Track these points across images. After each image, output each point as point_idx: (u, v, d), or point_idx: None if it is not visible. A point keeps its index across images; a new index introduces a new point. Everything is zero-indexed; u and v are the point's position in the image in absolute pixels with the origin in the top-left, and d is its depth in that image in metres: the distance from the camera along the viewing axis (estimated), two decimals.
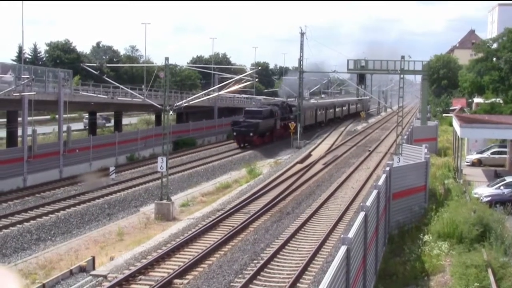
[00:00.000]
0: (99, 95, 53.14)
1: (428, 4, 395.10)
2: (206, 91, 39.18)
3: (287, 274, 20.27)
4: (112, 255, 24.01)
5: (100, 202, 34.21)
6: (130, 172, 44.36)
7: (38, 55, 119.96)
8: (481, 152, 48.07)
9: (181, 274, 19.89)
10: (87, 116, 70.98)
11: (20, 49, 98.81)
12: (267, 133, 63.70)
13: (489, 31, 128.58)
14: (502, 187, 32.16)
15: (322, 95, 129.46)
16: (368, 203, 16.84)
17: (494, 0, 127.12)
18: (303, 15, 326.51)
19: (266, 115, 62.62)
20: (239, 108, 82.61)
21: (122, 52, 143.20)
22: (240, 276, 20.08)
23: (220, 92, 39.73)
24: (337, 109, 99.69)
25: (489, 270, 19.10)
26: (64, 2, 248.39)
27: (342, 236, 13.96)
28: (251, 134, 59.04)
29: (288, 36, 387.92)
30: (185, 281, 19.41)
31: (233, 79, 38.92)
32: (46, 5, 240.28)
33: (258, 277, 19.97)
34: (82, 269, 21.61)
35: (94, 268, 21.78)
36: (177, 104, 34.86)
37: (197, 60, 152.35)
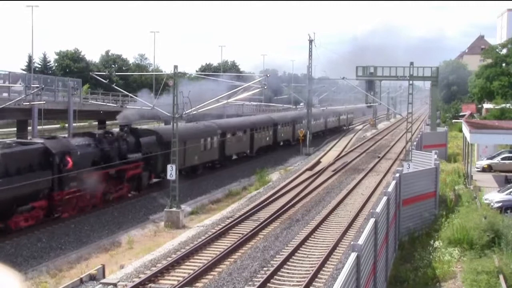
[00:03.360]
0: (108, 104, 53.40)
1: (439, 10, 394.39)
2: (215, 98, 38.50)
3: (297, 281, 20.22)
4: (122, 263, 24.02)
5: (109, 210, 34.27)
6: None
7: (48, 64, 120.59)
8: (492, 158, 47.84)
9: (191, 281, 19.88)
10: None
11: (30, 59, 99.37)
12: (20, 208, 28.29)
13: (499, 37, 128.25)
14: None
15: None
16: (378, 209, 16.78)
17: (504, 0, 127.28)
18: (312, 23, 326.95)
19: (16, 167, 28.22)
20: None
21: (131, 60, 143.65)
22: (250, 283, 20.05)
23: (229, 100, 39.24)
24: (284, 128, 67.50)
25: (501, 277, 18.99)
26: (73, 11, 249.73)
27: (352, 243, 13.91)
28: None
29: (297, 43, 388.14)
30: None
31: (242, 87, 38.95)
32: (55, 14, 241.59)
33: (268, 284, 19.94)
34: (92, 278, 21.60)
35: (104, 276, 21.78)
36: (186, 112, 34.85)
37: (206, 67, 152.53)
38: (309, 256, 23.33)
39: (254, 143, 58.20)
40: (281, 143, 67.98)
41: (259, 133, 59.52)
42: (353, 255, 11.83)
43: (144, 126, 53.45)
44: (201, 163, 46.51)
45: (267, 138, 62.38)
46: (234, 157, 56.29)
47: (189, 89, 37.50)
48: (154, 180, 41.26)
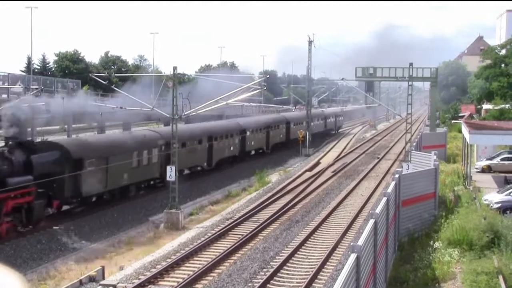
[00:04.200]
0: (107, 105, 53.34)
1: (438, 10, 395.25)
2: (214, 99, 37.50)
3: (297, 282, 20.22)
4: (122, 264, 24.00)
5: (109, 211, 34.25)
6: None
7: (47, 65, 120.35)
8: (491, 159, 47.87)
9: (191, 283, 19.86)
10: None
11: (29, 60, 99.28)
12: None
13: (498, 37, 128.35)
14: None
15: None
16: (378, 210, 16.78)
17: (504, 0, 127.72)
18: (311, 24, 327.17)
19: None
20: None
21: (130, 61, 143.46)
22: (249, 284, 20.04)
23: (229, 101, 38.64)
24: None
25: (500, 277, 18.99)
26: (73, 12, 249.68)
27: (351, 243, 13.91)
28: None
29: (297, 44, 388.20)
30: None
31: (241, 88, 38.90)
32: (55, 15, 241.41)
33: (268, 285, 19.93)
34: (92, 279, 21.58)
35: (103, 278, 21.76)
36: (186, 113, 34.85)
37: (205, 68, 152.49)
38: (308, 257, 23.33)
39: (213, 154, 49.09)
40: (252, 152, 60.30)
41: (220, 142, 50.40)
42: (352, 256, 11.83)
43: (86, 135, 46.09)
44: (133, 182, 37.45)
45: (231, 148, 53.02)
46: (186, 171, 46.12)
47: (206, 85, 37.25)
48: (65, 207, 33.48)
